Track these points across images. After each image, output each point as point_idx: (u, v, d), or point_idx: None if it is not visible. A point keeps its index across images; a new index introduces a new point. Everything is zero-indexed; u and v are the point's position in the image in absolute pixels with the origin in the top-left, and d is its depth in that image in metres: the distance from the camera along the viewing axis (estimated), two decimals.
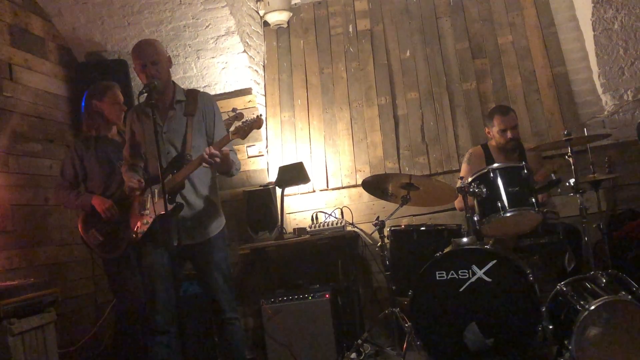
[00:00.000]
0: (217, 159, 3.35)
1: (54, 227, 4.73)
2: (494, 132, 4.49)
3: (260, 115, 3.41)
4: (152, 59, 3.53)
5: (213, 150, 3.33)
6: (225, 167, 3.50)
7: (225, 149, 3.40)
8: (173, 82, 3.73)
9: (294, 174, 5.19)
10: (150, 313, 3.51)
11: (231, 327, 3.64)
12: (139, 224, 3.58)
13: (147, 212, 3.53)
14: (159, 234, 3.47)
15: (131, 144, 3.73)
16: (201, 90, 5.37)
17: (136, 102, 4.84)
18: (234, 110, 3.95)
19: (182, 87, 3.79)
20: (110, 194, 4.13)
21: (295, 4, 5.85)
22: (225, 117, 4.00)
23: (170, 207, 3.41)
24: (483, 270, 3.68)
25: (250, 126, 3.35)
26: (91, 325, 4.80)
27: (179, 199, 3.51)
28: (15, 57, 4.60)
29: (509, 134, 4.42)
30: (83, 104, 4.28)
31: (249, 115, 3.45)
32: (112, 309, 4.71)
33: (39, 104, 4.80)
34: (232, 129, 3.43)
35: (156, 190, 3.48)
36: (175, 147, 3.57)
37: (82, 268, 4.86)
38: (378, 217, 4.42)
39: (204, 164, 3.39)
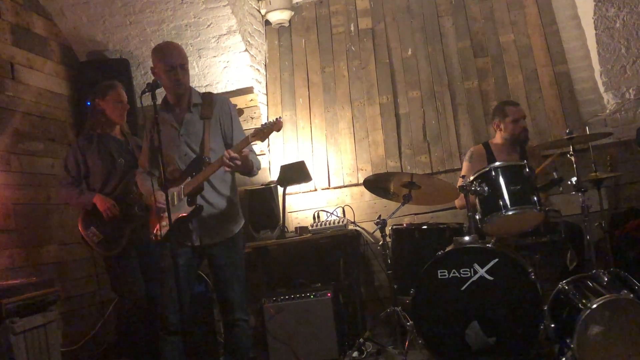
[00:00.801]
0: (238, 162, 3.35)
1: (56, 225, 4.74)
2: (507, 122, 4.50)
3: (280, 117, 3.40)
4: (182, 61, 3.52)
5: (233, 154, 3.33)
6: (246, 168, 3.49)
7: (245, 150, 3.40)
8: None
9: (295, 173, 5.19)
10: (164, 313, 3.49)
11: (239, 329, 3.62)
12: (158, 225, 3.55)
13: (165, 214, 3.45)
14: (179, 234, 3.46)
15: (151, 149, 3.71)
16: (203, 89, 5.41)
17: (138, 102, 4.84)
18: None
19: None
20: (109, 190, 4.14)
21: (297, 2, 5.84)
22: None
23: (189, 209, 3.44)
24: (485, 268, 3.68)
25: (270, 128, 3.35)
26: (93, 324, 4.81)
27: (199, 200, 3.51)
28: (17, 57, 4.61)
29: (522, 123, 4.48)
30: (88, 103, 4.30)
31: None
32: (114, 308, 4.72)
33: (40, 103, 4.80)
34: (251, 131, 3.42)
35: (175, 193, 3.48)
36: (193, 149, 3.57)
37: (84, 267, 4.87)
38: (380, 215, 4.42)
39: (225, 168, 3.39)
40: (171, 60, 3.49)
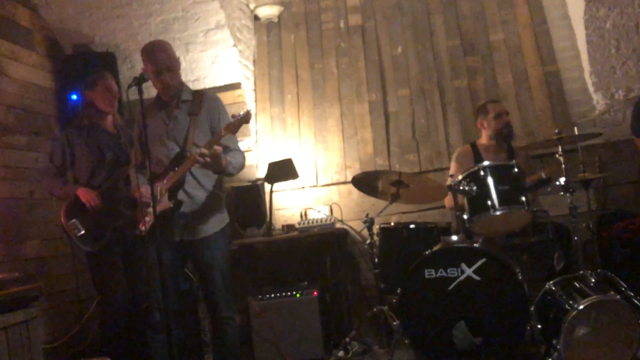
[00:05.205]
0: (208, 159, 3.32)
1: (38, 221, 4.68)
2: (489, 119, 4.50)
3: (250, 110, 3.41)
4: (167, 65, 3.55)
5: (203, 150, 3.32)
6: (217, 166, 3.42)
7: (217, 147, 3.36)
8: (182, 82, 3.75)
9: (283, 170, 5.16)
10: (151, 312, 3.51)
11: (226, 327, 3.62)
12: (142, 221, 3.54)
13: (150, 209, 3.46)
14: (161, 230, 3.42)
15: (140, 143, 3.74)
16: (190, 84, 5.35)
17: (124, 95, 4.79)
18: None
19: None
20: (96, 184, 4.08)
21: None
22: None
23: (170, 204, 3.45)
24: (472, 268, 3.67)
25: (239, 121, 3.34)
26: (76, 321, 4.76)
27: (182, 195, 3.52)
28: (2, 48, 4.56)
29: (504, 118, 4.48)
30: (74, 94, 4.26)
31: (238, 111, 3.44)
32: (97, 305, 4.66)
33: (25, 96, 4.75)
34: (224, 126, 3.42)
35: (159, 187, 3.47)
36: (179, 144, 3.59)
37: (66, 263, 4.81)
38: (367, 214, 4.39)
39: (195, 164, 3.39)
40: (156, 65, 3.54)
